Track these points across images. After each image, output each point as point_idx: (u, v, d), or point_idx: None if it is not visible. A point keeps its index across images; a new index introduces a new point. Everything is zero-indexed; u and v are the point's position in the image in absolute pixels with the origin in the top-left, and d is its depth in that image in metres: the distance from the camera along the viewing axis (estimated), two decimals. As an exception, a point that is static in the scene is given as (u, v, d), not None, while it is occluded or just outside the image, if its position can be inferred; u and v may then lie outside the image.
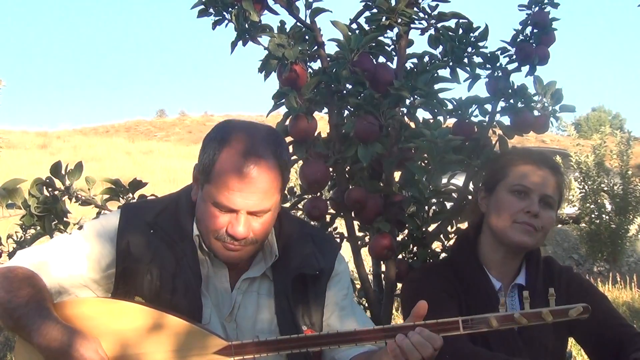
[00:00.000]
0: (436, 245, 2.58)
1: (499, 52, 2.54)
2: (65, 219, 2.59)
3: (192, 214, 1.91)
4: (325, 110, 2.49)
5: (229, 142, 1.79)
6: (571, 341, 2.38)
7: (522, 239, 2.13)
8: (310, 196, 2.55)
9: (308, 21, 2.44)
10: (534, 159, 2.19)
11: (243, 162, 1.76)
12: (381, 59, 2.53)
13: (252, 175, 1.76)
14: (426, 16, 2.52)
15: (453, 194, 2.52)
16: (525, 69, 2.53)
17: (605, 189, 10.59)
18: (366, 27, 2.52)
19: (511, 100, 2.51)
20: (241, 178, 1.76)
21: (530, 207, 2.11)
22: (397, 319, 4.78)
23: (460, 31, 2.50)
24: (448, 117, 2.49)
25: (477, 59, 2.53)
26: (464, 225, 2.47)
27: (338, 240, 2.64)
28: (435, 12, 2.51)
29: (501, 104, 2.53)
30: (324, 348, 1.78)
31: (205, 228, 1.84)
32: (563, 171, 2.24)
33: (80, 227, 1.98)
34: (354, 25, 2.53)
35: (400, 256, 2.55)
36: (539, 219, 2.12)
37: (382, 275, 2.58)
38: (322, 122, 2.43)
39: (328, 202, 2.55)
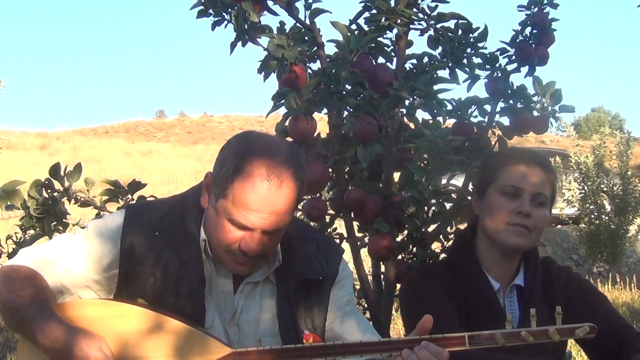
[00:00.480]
0: (436, 246, 2.58)
1: (498, 53, 2.54)
2: (64, 220, 2.59)
3: (198, 217, 1.91)
4: (325, 110, 2.49)
5: (250, 161, 1.77)
6: (571, 341, 2.38)
7: (515, 241, 2.12)
8: (309, 197, 2.55)
9: (307, 22, 2.44)
10: (522, 158, 2.17)
11: (264, 185, 1.75)
12: (381, 60, 2.52)
13: (272, 198, 1.76)
14: (425, 17, 2.52)
15: (452, 195, 2.51)
16: (525, 69, 2.53)
17: (605, 189, 10.60)
18: (366, 27, 2.52)
19: (510, 101, 2.51)
20: (260, 199, 1.75)
21: (522, 207, 2.10)
22: (397, 319, 4.78)
23: (460, 32, 2.50)
24: (447, 117, 2.49)
25: (477, 60, 2.53)
26: (463, 226, 2.47)
27: (337, 241, 2.64)
28: (435, 13, 2.51)
29: (500, 104, 2.53)
30: (329, 358, 1.76)
31: (217, 240, 1.83)
32: (554, 168, 2.22)
33: (84, 227, 1.97)
34: (354, 26, 2.53)
35: (399, 257, 2.55)
36: (531, 219, 2.11)
37: (382, 276, 2.58)
38: (321, 122, 2.43)
39: (327, 202, 2.55)
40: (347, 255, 2.31)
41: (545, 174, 2.16)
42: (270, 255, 1.89)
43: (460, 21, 2.51)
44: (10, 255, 2.70)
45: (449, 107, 2.51)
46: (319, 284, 1.95)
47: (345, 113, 2.55)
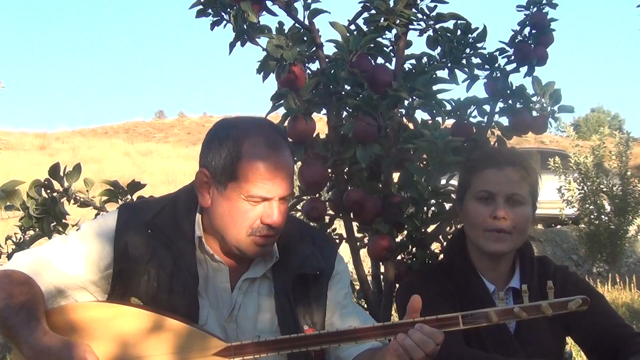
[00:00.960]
0: (435, 246, 2.58)
1: (497, 53, 2.55)
2: (63, 220, 2.59)
3: (191, 215, 1.92)
4: (324, 111, 2.49)
5: (246, 140, 1.83)
6: (570, 341, 2.38)
7: (495, 247, 2.11)
8: (309, 197, 2.55)
9: (306, 22, 2.44)
10: (492, 161, 2.15)
11: (270, 152, 1.83)
12: (380, 60, 2.52)
13: (280, 163, 1.84)
14: (424, 17, 2.51)
15: (452, 195, 2.51)
16: (524, 69, 2.53)
17: (605, 189, 10.60)
18: (365, 28, 2.52)
19: (510, 101, 2.52)
20: (272, 167, 1.82)
21: (496, 211, 2.08)
22: (396, 319, 4.77)
23: (459, 32, 2.50)
24: (447, 118, 2.49)
25: (476, 60, 2.53)
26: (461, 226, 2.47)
27: (337, 241, 2.64)
28: (434, 13, 2.51)
29: (500, 104, 2.53)
30: (325, 347, 1.77)
31: (238, 226, 1.84)
32: (528, 164, 2.17)
33: (78, 229, 1.98)
34: (353, 27, 2.53)
35: (399, 257, 2.55)
36: (508, 221, 2.08)
37: (381, 277, 2.58)
38: (320, 123, 2.43)
39: (327, 203, 2.55)
40: (347, 256, 2.31)
41: (518, 172, 2.12)
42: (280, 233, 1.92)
43: (459, 21, 2.51)
44: (9, 256, 2.69)
45: (448, 107, 2.51)
46: (316, 279, 1.97)
47: (345, 113, 2.55)
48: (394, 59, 2.54)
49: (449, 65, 2.52)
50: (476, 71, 2.53)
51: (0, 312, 1.73)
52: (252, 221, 1.83)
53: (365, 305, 2.61)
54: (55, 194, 2.57)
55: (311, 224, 2.54)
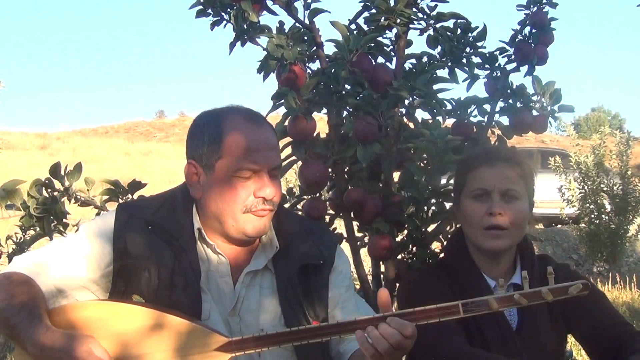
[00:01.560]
0: (435, 246, 2.58)
1: (497, 52, 2.55)
2: (64, 220, 2.59)
3: (190, 209, 1.93)
4: (324, 110, 2.49)
5: (226, 119, 1.88)
6: (571, 340, 2.38)
7: (492, 245, 2.11)
8: (309, 197, 2.55)
9: (307, 22, 2.44)
10: (485, 158, 2.16)
11: (251, 124, 1.88)
12: (380, 60, 2.53)
13: (263, 134, 1.88)
14: (425, 16, 2.52)
15: (452, 194, 2.51)
16: (524, 69, 2.53)
17: (605, 189, 10.59)
18: (365, 27, 2.53)
19: (510, 101, 2.52)
20: (254, 137, 1.86)
21: (491, 208, 2.09)
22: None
23: (459, 31, 2.50)
24: (447, 117, 2.49)
25: (476, 59, 2.53)
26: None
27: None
28: (434, 13, 2.51)
29: (500, 104, 2.53)
30: (326, 339, 1.76)
31: (232, 205, 1.86)
32: (521, 159, 2.18)
33: (77, 230, 1.98)
34: (353, 26, 2.53)
35: (399, 257, 2.55)
36: (504, 217, 2.09)
37: (382, 276, 2.58)
38: (321, 122, 2.43)
39: (327, 202, 2.55)
40: (348, 255, 2.31)
41: (512, 168, 2.13)
42: (275, 210, 1.93)
43: (459, 21, 2.51)
44: (10, 256, 2.70)
45: (449, 106, 2.51)
46: (318, 269, 1.98)
47: (345, 113, 2.55)
48: (394, 58, 2.54)
49: (449, 64, 2.53)
50: (476, 70, 2.53)
51: (2, 312, 1.75)
52: (245, 197, 1.85)
53: (366, 305, 2.61)
54: (55, 194, 2.57)
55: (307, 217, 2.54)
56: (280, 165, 1.94)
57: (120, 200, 2.62)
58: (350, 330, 1.74)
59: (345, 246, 2.53)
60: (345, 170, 2.56)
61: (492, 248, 2.12)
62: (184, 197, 1.95)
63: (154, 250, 1.86)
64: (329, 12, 2.43)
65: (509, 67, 2.54)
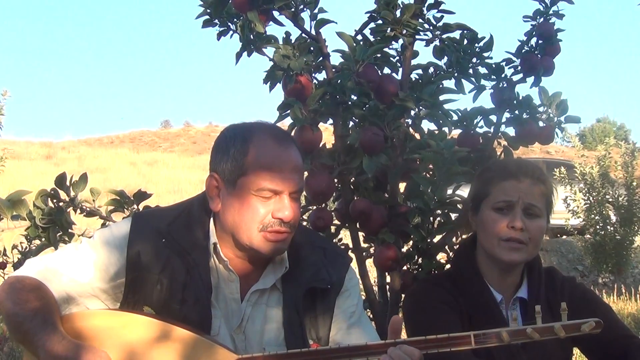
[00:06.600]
0: (441, 257, 2.57)
1: (504, 63, 2.55)
2: (70, 230, 2.59)
3: (206, 224, 1.92)
4: (331, 121, 2.49)
5: (253, 137, 1.86)
6: (576, 352, 2.37)
7: (510, 257, 2.11)
8: (315, 207, 2.54)
9: (313, 32, 2.44)
10: (513, 172, 2.15)
11: (277, 146, 1.86)
12: (386, 70, 2.53)
13: (288, 155, 1.87)
14: (431, 27, 2.52)
15: (458, 205, 2.51)
16: (530, 79, 2.53)
17: (610, 200, 10.56)
18: (371, 38, 2.53)
19: (516, 111, 2.51)
20: (279, 159, 1.84)
21: (514, 222, 2.09)
22: (402, 330, 4.75)
23: (465, 42, 2.50)
24: (453, 128, 2.49)
25: (482, 70, 2.53)
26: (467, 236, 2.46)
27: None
28: (440, 24, 2.51)
29: (506, 115, 2.53)
30: None
31: (250, 222, 1.84)
32: (546, 177, 2.19)
33: (90, 236, 1.97)
34: (359, 37, 2.54)
35: (405, 267, 2.54)
36: (525, 232, 2.09)
37: (387, 287, 2.58)
38: (327, 133, 2.43)
39: (333, 213, 2.54)
40: (353, 266, 2.30)
41: (536, 185, 2.13)
42: (293, 232, 1.91)
43: (465, 31, 2.51)
44: (15, 265, 2.70)
45: (455, 117, 2.51)
46: (325, 293, 1.95)
47: (351, 123, 2.55)
48: (400, 69, 2.54)
49: (456, 75, 2.53)
50: (483, 81, 2.53)
51: (14, 316, 1.75)
52: (263, 216, 1.83)
53: (371, 316, 2.60)
54: (61, 204, 2.57)
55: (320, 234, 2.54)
56: (302, 189, 1.92)
57: (126, 211, 2.62)
58: (361, 355, 1.74)
59: (350, 257, 2.53)
60: (351, 180, 2.56)
61: (509, 260, 2.11)
62: (201, 208, 1.94)
63: (167, 262, 1.85)
64: (336, 23, 2.44)
65: (516, 78, 2.53)
